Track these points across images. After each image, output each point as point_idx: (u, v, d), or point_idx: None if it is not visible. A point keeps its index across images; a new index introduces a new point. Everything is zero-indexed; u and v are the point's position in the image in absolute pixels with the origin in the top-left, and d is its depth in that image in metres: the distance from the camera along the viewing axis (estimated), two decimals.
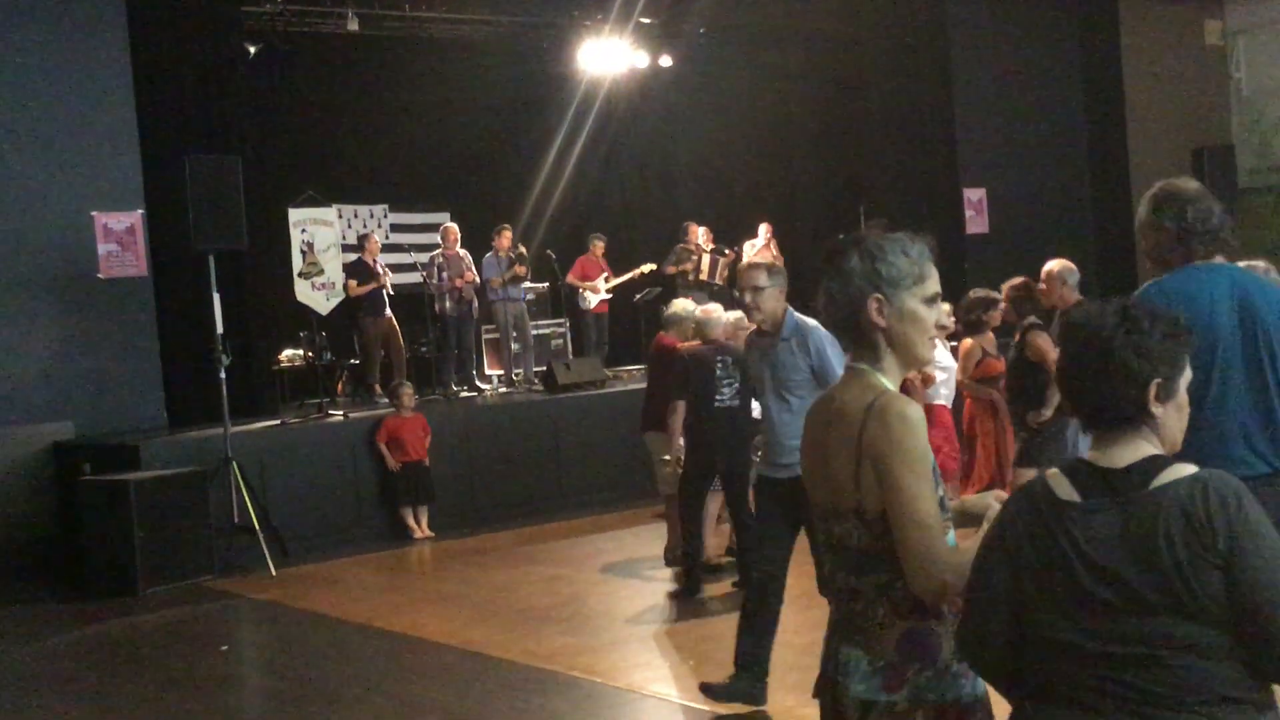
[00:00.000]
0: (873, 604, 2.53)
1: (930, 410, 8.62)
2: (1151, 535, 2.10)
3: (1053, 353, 7.19)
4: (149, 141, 11.30)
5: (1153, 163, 17.02)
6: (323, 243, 12.48)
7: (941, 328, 6.72)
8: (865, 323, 2.56)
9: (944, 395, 8.85)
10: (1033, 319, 7.57)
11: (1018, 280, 7.92)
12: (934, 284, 2.61)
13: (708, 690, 5.77)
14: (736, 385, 7.83)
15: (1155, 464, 2.19)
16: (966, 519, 2.59)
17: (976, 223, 15.78)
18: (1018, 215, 15.73)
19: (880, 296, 2.55)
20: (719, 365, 7.93)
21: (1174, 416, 2.26)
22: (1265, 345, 3.86)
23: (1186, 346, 2.24)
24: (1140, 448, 2.21)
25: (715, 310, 8.33)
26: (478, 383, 13.96)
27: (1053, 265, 7.67)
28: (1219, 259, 3.97)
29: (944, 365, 9.01)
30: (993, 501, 2.58)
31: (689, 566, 8.31)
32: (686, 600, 8.09)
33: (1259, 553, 2.06)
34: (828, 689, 2.61)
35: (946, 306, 8.44)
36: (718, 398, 7.89)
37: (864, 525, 2.49)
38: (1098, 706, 2.14)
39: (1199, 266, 3.94)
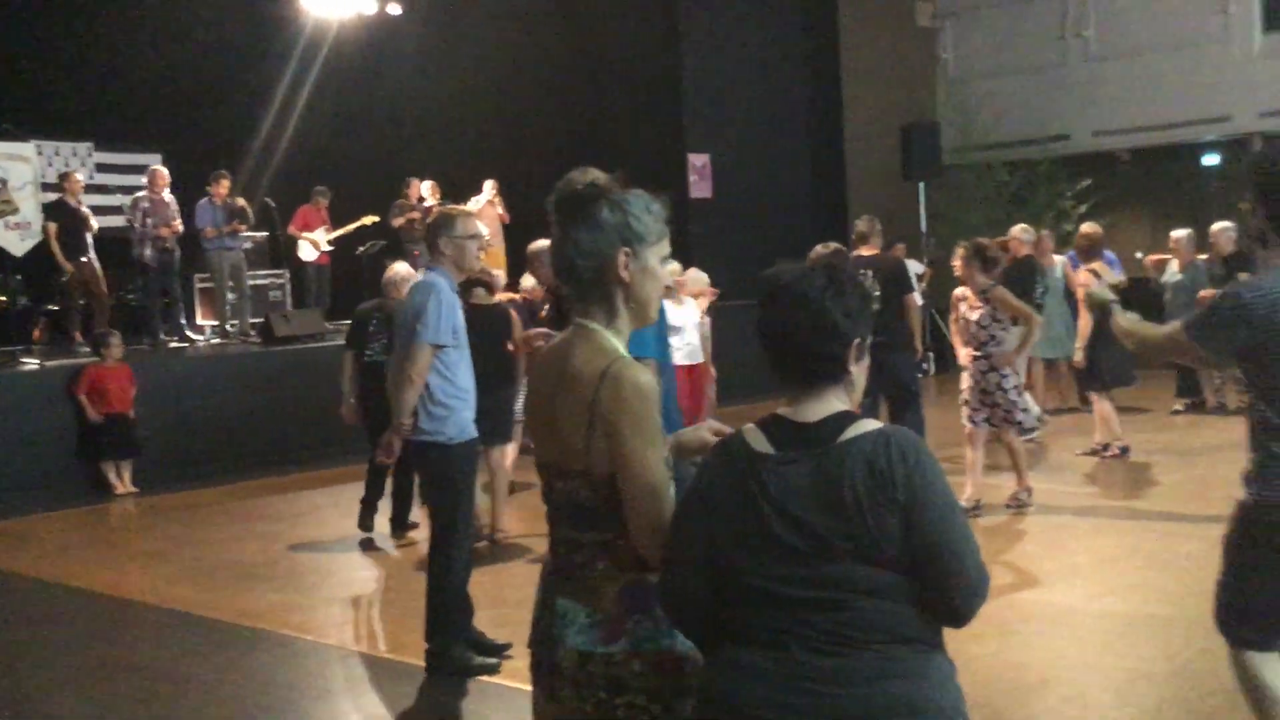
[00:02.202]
0: (593, 558, 2.55)
1: (690, 371, 8.83)
2: (838, 483, 2.23)
3: None
4: None
5: (865, 136, 17.87)
6: (18, 180, 11.72)
7: (667, 288, 6.85)
8: (610, 277, 2.55)
9: (683, 354, 8.93)
10: None
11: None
12: (668, 243, 2.64)
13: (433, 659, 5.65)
14: (384, 340, 8.00)
15: (845, 419, 2.33)
16: (683, 451, 2.64)
17: (700, 187, 16.15)
18: (740, 182, 16.17)
19: (629, 251, 2.54)
20: (373, 321, 8.25)
21: (862, 376, 2.43)
22: None
23: (872, 310, 2.41)
24: (832, 404, 2.36)
25: (397, 267, 8.50)
26: (189, 333, 13.41)
27: (535, 245, 7.87)
28: None
29: (678, 325, 9.10)
30: (707, 435, 2.65)
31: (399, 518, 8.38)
32: (402, 557, 8.01)
33: (933, 501, 2.23)
34: (543, 641, 2.62)
35: (675, 266, 8.64)
36: (367, 352, 8.27)
37: (591, 487, 2.51)
38: (789, 648, 2.25)
39: None
